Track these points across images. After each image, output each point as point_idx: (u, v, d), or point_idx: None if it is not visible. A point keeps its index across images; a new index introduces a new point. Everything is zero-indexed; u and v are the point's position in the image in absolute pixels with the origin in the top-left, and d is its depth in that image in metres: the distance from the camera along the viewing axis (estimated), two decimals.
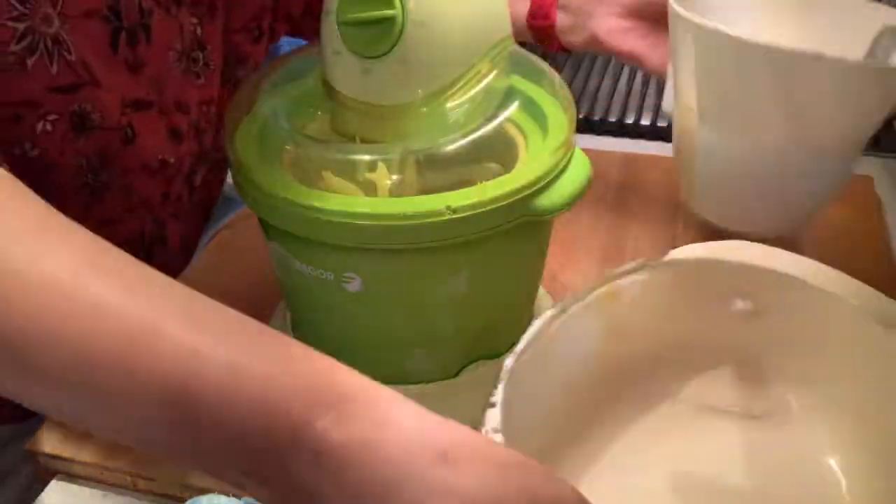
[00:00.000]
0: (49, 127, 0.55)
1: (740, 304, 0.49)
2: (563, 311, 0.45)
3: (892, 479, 0.45)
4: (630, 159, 0.87)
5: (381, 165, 0.51)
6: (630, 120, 0.97)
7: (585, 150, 0.54)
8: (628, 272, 0.49)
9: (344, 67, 0.51)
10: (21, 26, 0.51)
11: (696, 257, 0.50)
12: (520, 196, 0.49)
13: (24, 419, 0.70)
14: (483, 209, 0.48)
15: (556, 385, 0.46)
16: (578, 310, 0.46)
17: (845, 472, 0.48)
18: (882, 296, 0.47)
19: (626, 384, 0.50)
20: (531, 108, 0.54)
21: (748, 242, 0.51)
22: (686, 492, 0.47)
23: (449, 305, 0.53)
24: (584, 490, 0.33)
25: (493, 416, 0.37)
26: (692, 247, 0.52)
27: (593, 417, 0.48)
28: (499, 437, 0.37)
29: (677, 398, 0.51)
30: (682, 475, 0.47)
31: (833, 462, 0.49)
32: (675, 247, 0.53)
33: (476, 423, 0.56)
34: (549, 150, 0.51)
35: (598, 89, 1.12)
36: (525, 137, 0.54)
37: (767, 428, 0.51)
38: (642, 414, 0.50)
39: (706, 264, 0.50)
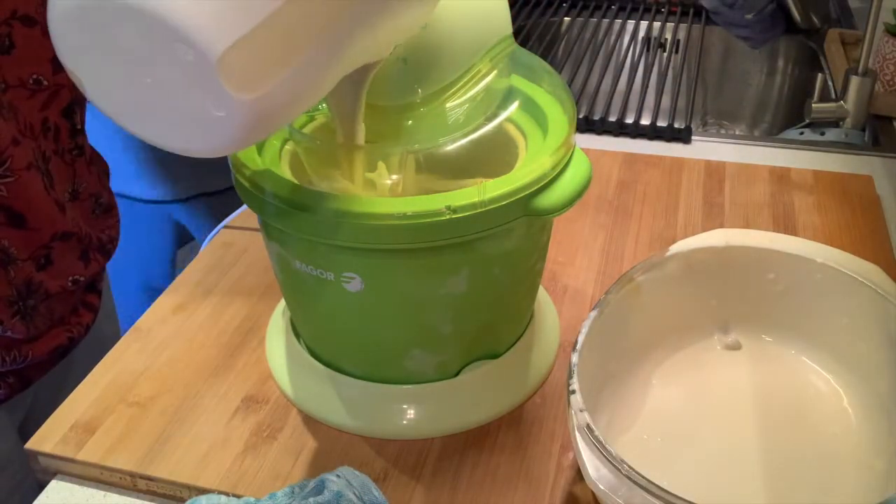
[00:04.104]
0: None
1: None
2: (602, 311, 0.53)
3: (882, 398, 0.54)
4: (630, 159, 0.87)
5: (381, 165, 0.51)
6: (630, 120, 0.97)
7: (585, 150, 0.54)
8: (643, 269, 0.57)
9: None
10: None
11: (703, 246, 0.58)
12: (520, 196, 0.49)
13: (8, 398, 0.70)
14: (483, 209, 0.48)
15: (608, 355, 0.55)
16: (612, 306, 0.54)
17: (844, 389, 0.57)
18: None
19: (656, 345, 0.60)
20: (531, 108, 0.54)
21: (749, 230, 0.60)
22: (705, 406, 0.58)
23: (449, 305, 0.53)
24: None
25: (577, 400, 0.47)
26: (689, 240, 0.58)
27: (635, 363, 0.59)
28: (585, 415, 0.45)
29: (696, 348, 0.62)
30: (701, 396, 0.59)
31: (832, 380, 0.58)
32: None
33: (475, 422, 0.56)
34: (549, 150, 0.51)
35: (598, 89, 1.12)
36: (525, 137, 0.54)
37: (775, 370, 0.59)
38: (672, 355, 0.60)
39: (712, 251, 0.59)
